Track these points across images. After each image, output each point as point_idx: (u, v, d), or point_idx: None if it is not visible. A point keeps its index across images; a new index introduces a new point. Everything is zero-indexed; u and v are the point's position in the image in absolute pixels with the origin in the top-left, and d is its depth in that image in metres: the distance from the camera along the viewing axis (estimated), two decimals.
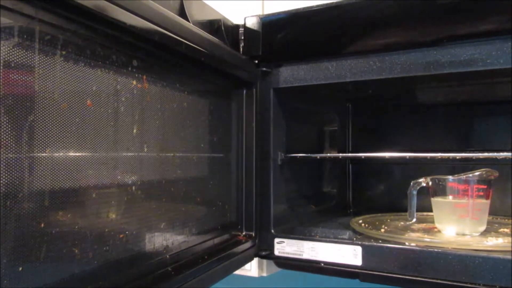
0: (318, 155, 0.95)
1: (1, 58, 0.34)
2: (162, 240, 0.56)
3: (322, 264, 0.70)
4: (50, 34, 0.39)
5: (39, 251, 0.38)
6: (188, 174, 0.64)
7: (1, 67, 0.34)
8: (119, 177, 0.50)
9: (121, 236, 0.49)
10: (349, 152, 1.10)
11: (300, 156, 0.84)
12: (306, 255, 0.72)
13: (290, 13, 0.75)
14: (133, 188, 0.52)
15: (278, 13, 0.76)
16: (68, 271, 0.42)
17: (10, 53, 0.35)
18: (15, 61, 0.36)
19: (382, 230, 0.73)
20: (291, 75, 0.75)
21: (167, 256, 0.57)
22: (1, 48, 0.34)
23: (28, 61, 0.37)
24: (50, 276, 0.40)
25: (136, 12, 0.46)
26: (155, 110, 0.56)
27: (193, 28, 0.60)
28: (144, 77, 0.53)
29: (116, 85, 0.49)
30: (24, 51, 0.37)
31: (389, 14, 0.67)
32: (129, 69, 0.51)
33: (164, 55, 0.56)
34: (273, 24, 0.76)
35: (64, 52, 0.41)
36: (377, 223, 0.80)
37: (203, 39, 0.61)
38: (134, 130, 0.52)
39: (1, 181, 0.34)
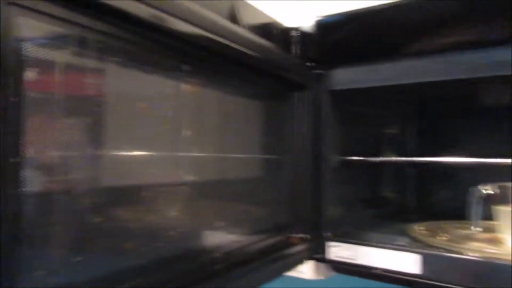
0: (376, 159, 0.92)
1: (63, 64, 0.38)
2: (215, 238, 0.58)
3: (377, 270, 0.69)
4: (105, 42, 0.41)
5: (95, 244, 0.41)
6: (242, 175, 0.66)
7: (64, 72, 0.38)
8: (177, 176, 0.52)
9: (175, 232, 0.52)
10: (409, 156, 1.06)
11: (356, 160, 0.82)
12: (360, 260, 0.70)
13: (346, 14, 0.73)
14: (190, 187, 0.54)
15: (334, 15, 0.75)
16: (123, 264, 0.44)
17: (70, 60, 0.38)
18: (78, 65, 0.39)
19: (443, 238, 0.70)
20: (346, 77, 0.74)
21: (219, 254, 0.58)
22: (61, 55, 0.37)
23: (97, 66, 0.40)
24: (105, 267, 0.42)
25: (191, 21, 0.47)
26: (211, 113, 0.58)
27: (244, 32, 0.61)
28: (199, 81, 0.56)
29: (173, 89, 0.52)
30: (82, 58, 0.39)
31: (451, 12, 0.64)
32: (181, 73, 0.53)
33: (217, 60, 0.57)
34: (328, 26, 0.75)
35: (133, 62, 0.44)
36: (438, 230, 0.76)
37: (254, 43, 0.61)
38: (192, 132, 0.54)
39: (68, 177, 0.38)
